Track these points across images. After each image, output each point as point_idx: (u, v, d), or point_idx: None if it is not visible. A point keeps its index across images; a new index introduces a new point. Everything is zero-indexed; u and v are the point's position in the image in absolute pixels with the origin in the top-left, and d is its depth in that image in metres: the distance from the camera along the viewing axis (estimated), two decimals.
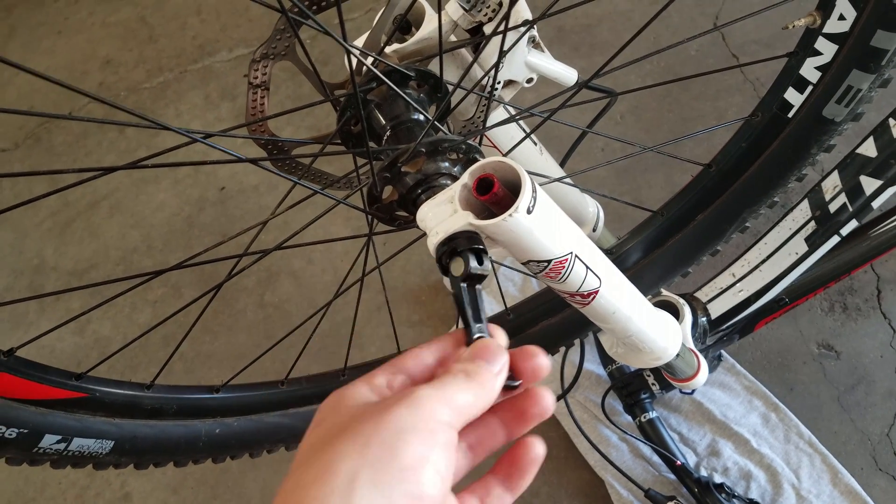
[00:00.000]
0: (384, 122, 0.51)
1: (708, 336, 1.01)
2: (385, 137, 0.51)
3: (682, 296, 0.99)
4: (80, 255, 1.61)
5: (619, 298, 0.61)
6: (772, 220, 0.92)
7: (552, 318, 0.81)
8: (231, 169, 1.65)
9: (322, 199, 0.57)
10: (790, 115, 0.65)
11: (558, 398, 0.98)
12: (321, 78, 0.48)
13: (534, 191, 0.46)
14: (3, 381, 0.52)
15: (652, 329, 0.70)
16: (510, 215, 0.45)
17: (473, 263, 0.45)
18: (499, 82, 0.57)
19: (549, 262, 0.51)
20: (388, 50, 0.53)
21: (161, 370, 0.67)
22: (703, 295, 1.00)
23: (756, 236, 0.95)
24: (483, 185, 0.46)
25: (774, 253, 0.94)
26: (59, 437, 0.57)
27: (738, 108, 1.45)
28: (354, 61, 0.41)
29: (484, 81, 0.54)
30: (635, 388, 1.14)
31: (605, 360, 1.18)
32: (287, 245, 0.52)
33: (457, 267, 0.45)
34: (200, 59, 1.84)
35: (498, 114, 0.62)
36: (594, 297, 0.58)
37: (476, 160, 0.50)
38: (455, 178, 0.50)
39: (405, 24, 0.56)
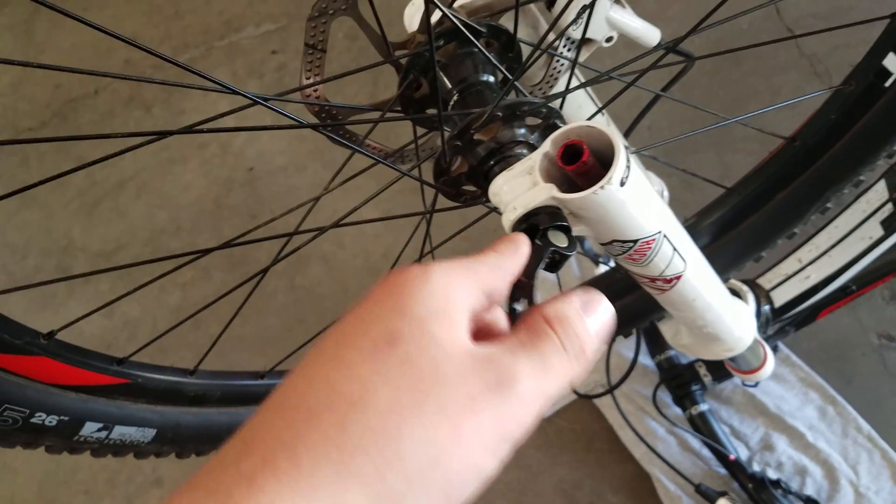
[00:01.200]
0: (450, 85, 0.46)
1: (770, 325, 0.95)
2: (452, 103, 0.46)
3: (744, 282, 0.93)
4: (107, 236, 1.58)
5: (701, 284, 0.56)
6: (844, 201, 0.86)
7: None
8: (259, 149, 1.61)
9: (376, 175, 0.52)
10: (888, 83, 0.58)
11: (606, 392, 0.93)
12: (385, 36, 0.42)
13: (627, 160, 0.40)
14: (43, 366, 0.49)
15: (728, 318, 0.65)
16: (602, 187, 0.39)
17: (563, 242, 0.40)
18: (573, 41, 0.52)
19: (635, 241, 0.46)
20: (455, 4, 0.48)
21: (205, 356, 0.63)
22: (766, 282, 0.94)
23: (826, 218, 0.89)
24: (570, 153, 0.40)
25: (847, 237, 0.88)
26: (101, 425, 0.54)
27: (794, 86, 1.37)
28: (434, 12, 0.35)
29: (567, 38, 0.49)
30: (686, 379, 1.08)
31: (654, 349, 1.13)
32: (345, 223, 0.47)
33: (559, 239, 0.39)
34: (227, 36, 1.79)
35: (566, 79, 0.57)
36: (677, 282, 0.53)
37: (556, 126, 0.44)
38: (532, 148, 0.45)
39: None
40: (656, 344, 1.12)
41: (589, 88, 0.58)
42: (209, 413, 0.63)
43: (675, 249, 0.49)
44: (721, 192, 0.72)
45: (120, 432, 0.56)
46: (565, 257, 0.41)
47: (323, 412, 0.25)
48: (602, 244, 0.47)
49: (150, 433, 0.58)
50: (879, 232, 0.85)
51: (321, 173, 1.53)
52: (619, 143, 0.40)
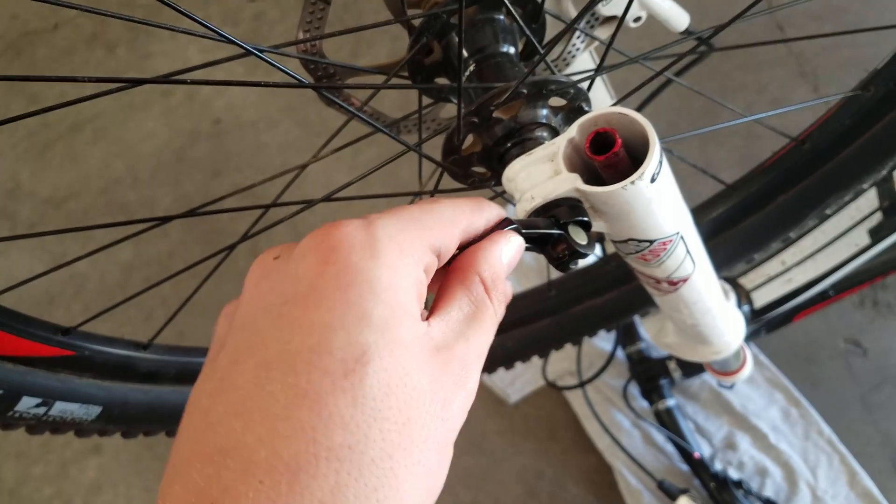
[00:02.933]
0: (467, 54, 0.41)
1: (748, 326, 0.94)
2: (467, 73, 0.41)
3: (726, 281, 0.91)
4: (58, 182, 1.48)
5: (705, 288, 0.53)
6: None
7: (597, 299, 0.72)
8: (228, 101, 1.53)
9: (355, 153, 0.47)
10: None
11: (578, 385, 0.91)
12: None
13: (661, 155, 0.37)
14: None
15: (722, 321, 0.62)
16: (633, 183, 0.36)
17: (583, 240, 0.36)
18: (597, 18, 0.48)
19: (652, 241, 0.43)
20: None
21: (160, 330, 0.57)
22: (748, 282, 0.92)
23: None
24: (600, 142, 0.36)
25: (832, 242, 0.86)
26: (40, 401, 0.49)
27: (780, 82, 1.36)
28: None
29: (592, 14, 0.45)
30: (655, 372, 1.07)
31: (626, 340, 1.11)
32: (336, 197, 0.43)
33: (579, 235, 0.36)
34: None
35: (582, 59, 0.52)
36: (682, 284, 0.50)
37: (582, 111, 0.40)
38: (553, 132, 0.40)
39: None
40: (628, 335, 1.11)
41: (608, 72, 0.54)
42: (161, 391, 0.58)
43: (688, 251, 0.46)
44: (720, 188, 0.69)
45: (61, 409, 0.51)
46: (581, 256, 0.38)
47: (312, 472, 0.20)
48: (615, 241, 0.44)
49: (95, 410, 0.53)
50: (866, 240, 0.84)
51: (294, 132, 1.46)
52: (655, 135, 0.36)
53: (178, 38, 1.62)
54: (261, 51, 0.32)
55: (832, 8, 1.41)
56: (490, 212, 0.32)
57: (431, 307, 0.29)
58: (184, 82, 0.30)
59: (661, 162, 0.36)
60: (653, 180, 0.36)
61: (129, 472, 1.16)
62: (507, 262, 0.31)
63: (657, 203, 0.38)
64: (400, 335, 0.24)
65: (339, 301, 0.23)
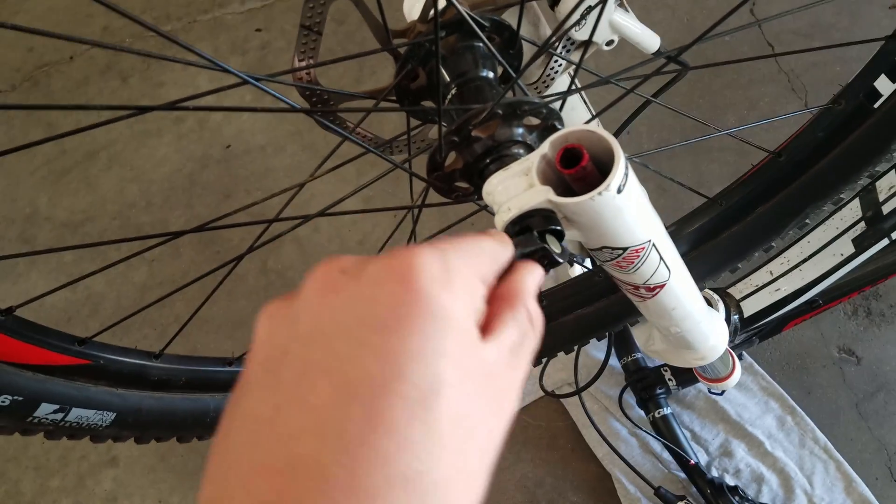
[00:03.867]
0: (449, 78, 0.45)
1: (738, 335, 0.96)
2: (449, 96, 0.45)
3: (715, 291, 0.94)
4: (74, 207, 1.54)
5: (682, 294, 0.56)
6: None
7: (587, 308, 0.76)
8: (238, 127, 1.58)
9: (358, 171, 0.51)
10: (877, 104, 0.59)
11: (574, 393, 0.93)
12: (386, 23, 0.42)
13: (626, 167, 0.40)
14: (0, 344, 0.46)
15: (704, 327, 0.66)
16: (599, 194, 0.39)
17: (557, 248, 0.40)
18: (572, 42, 0.51)
19: (625, 249, 0.46)
20: None
21: (171, 340, 0.61)
22: (736, 292, 0.95)
23: (799, 233, 0.90)
24: (569, 157, 0.40)
25: (818, 252, 0.89)
26: (57, 407, 0.52)
27: (771, 98, 1.39)
28: (438, 2, 0.35)
29: (568, 39, 0.48)
30: (651, 382, 1.10)
31: (621, 350, 1.14)
32: (331, 212, 0.46)
33: (554, 243, 0.39)
34: (211, 10, 1.75)
35: (562, 81, 0.56)
36: (659, 290, 0.53)
37: (555, 128, 0.44)
38: (529, 148, 0.44)
39: None
40: (624, 345, 1.14)
41: (584, 92, 0.58)
42: (173, 398, 0.61)
43: (661, 258, 0.49)
44: (702, 201, 0.72)
45: (77, 415, 0.54)
46: (556, 263, 0.41)
47: (384, 496, 0.21)
48: (591, 249, 0.47)
49: (110, 417, 0.56)
50: (850, 249, 0.87)
51: (300, 155, 1.51)
52: (619, 149, 0.39)
53: (189, 68, 1.68)
54: (257, 79, 0.36)
55: (820, 26, 1.46)
56: (509, 244, 0.36)
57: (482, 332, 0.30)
58: (186, 108, 0.34)
59: (626, 174, 0.40)
60: (619, 191, 0.40)
61: (145, 484, 1.20)
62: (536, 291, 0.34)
63: (625, 212, 0.42)
64: (468, 367, 0.25)
65: (418, 331, 0.24)
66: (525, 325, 0.30)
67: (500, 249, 0.34)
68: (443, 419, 0.23)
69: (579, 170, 0.40)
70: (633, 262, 0.48)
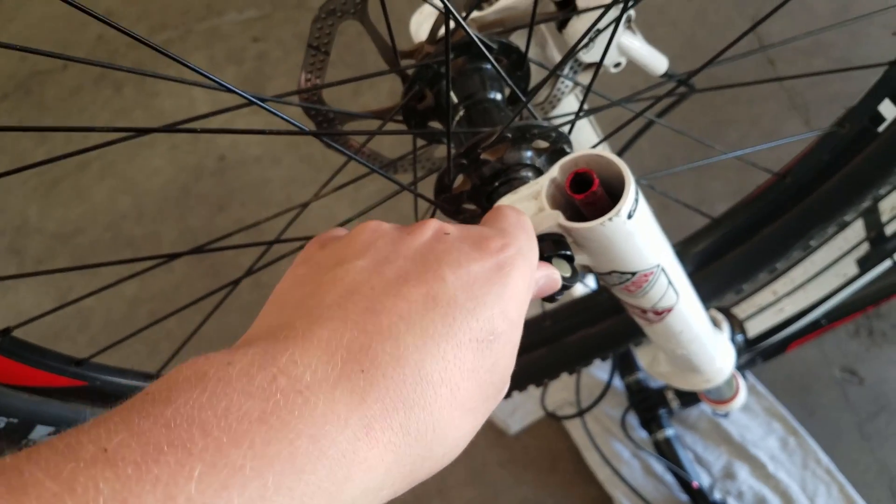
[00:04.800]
0: (457, 100, 0.44)
1: (742, 355, 0.95)
2: (457, 118, 0.44)
3: (719, 311, 0.93)
4: (66, 218, 1.52)
5: (690, 317, 0.55)
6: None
7: (592, 328, 0.74)
8: (232, 137, 1.57)
9: (356, 187, 0.50)
10: (881, 128, 0.59)
11: (577, 415, 0.92)
12: (395, 45, 0.40)
13: (637, 193, 0.39)
14: None
15: (711, 350, 0.64)
16: (610, 219, 0.38)
17: (567, 272, 0.38)
18: (580, 64, 0.50)
19: (634, 273, 0.45)
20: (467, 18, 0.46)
21: (168, 362, 0.59)
22: (740, 311, 0.94)
23: (803, 253, 0.89)
24: (579, 181, 0.39)
25: (821, 273, 0.88)
26: (53, 429, 0.51)
27: (772, 115, 1.39)
28: (448, 19, 0.33)
29: (575, 60, 0.47)
30: (654, 402, 1.08)
31: (624, 370, 1.12)
32: None
33: (563, 268, 0.38)
34: (207, 19, 1.74)
35: (568, 101, 0.55)
36: (667, 314, 0.52)
37: (565, 152, 0.43)
38: (538, 172, 0.43)
39: None
40: (626, 365, 1.12)
41: (592, 114, 0.57)
42: None
43: (670, 282, 0.48)
44: (706, 221, 0.71)
45: None
46: (566, 288, 0.40)
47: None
48: (600, 273, 0.46)
49: None
50: (855, 270, 0.86)
51: (296, 167, 1.50)
52: (630, 174, 0.38)
53: (185, 77, 1.66)
54: (263, 100, 0.34)
55: (820, 43, 1.45)
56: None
57: None
58: (193, 131, 0.32)
59: (636, 200, 0.39)
60: (629, 216, 0.39)
61: None
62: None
63: (635, 237, 0.41)
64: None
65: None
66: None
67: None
68: (490, 362, 0.29)
69: (590, 195, 0.38)
70: (641, 287, 0.47)
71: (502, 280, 0.31)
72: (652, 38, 0.66)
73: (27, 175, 1.57)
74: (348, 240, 0.33)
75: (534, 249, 0.35)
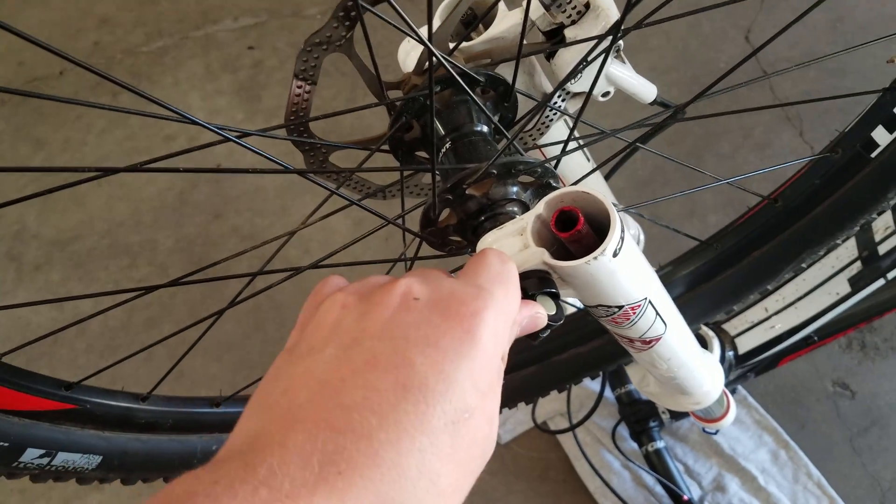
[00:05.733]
0: (443, 132, 0.44)
1: (732, 371, 0.96)
2: (444, 151, 0.44)
3: (710, 327, 0.94)
4: (63, 224, 1.52)
5: (678, 345, 0.55)
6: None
7: (581, 347, 0.75)
8: (228, 147, 1.57)
9: (358, 209, 0.50)
10: (874, 154, 0.59)
11: (568, 430, 0.92)
12: (380, 78, 0.41)
13: (622, 231, 0.39)
14: None
15: (699, 374, 0.65)
16: (595, 258, 0.38)
17: (552, 310, 0.39)
18: (569, 94, 0.51)
19: (620, 307, 0.45)
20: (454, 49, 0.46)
21: (158, 383, 0.60)
22: (731, 328, 0.94)
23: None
24: (564, 219, 0.39)
25: (813, 290, 0.89)
26: (43, 452, 0.51)
27: (766, 127, 1.40)
28: (431, 59, 0.34)
29: (564, 90, 0.48)
30: (645, 414, 1.08)
31: (615, 382, 1.13)
32: (323, 264, 0.45)
33: (548, 306, 0.38)
34: (203, 27, 1.74)
35: (558, 128, 0.55)
36: (655, 343, 0.52)
37: (552, 186, 0.43)
38: (524, 207, 0.43)
39: (470, 18, 0.49)
40: (617, 377, 1.13)
41: (581, 142, 0.57)
42: (159, 440, 0.60)
43: (657, 314, 0.48)
44: (703, 237, 0.72)
45: (63, 458, 0.54)
46: (550, 327, 0.40)
47: (404, 468, 0.27)
48: (587, 306, 0.46)
49: (96, 460, 0.56)
50: (846, 288, 0.86)
51: (291, 176, 1.50)
52: (615, 213, 0.39)
53: (181, 84, 1.67)
54: (245, 135, 0.35)
55: (814, 55, 1.46)
56: None
57: None
58: (176, 170, 0.33)
59: (622, 238, 0.39)
60: (615, 255, 0.39)
61: None
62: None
63: (621, 274, 0.41)
64: (491, 409, 0.31)
65: (468, 368, 0.30)
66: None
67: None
68: (465, 439, 0.29)
69: (575, 233, 0.39)
70: (629, 318, 0.47)
71: (472, 350, 0.30)
72: (645, 49, 0.66)
73: (25, 181, 1.57)
74: (318, 321, 0.33)
75: (512, 303, 0.34)
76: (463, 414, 0.29)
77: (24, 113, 1.68)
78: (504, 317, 0.33)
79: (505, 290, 0.34)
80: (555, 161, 0.42)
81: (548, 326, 0.39)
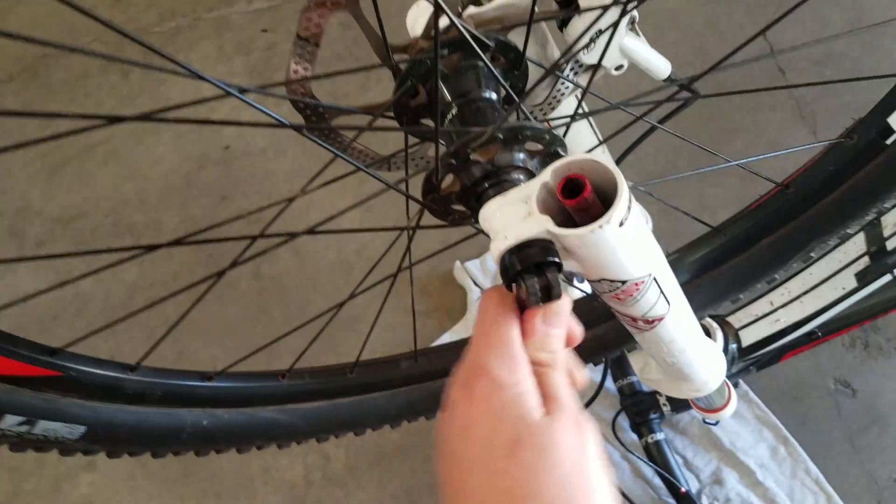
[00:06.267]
0: (450, 98, 0.44)
1: (735, 364, 0.95)
2: (450, 117, 0.43)
3: (714, 319, 0.93)
4: (68, 202, 1.52)
5: (681, 327, 0.54)
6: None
7: (585, 333, 0.74)
8: (237, 128, 1.56)
9: (360, 180, 0.49)
10: (889, 141, 0.58)
11: None
12: (386, 38, 0.40)
13: (630, 200, 0.38)
14: None
15: (701, 360, 0.64)
16: (601, 227, 0.37)
17: (557, 285, 0.38)
18: (580, 65, 0.50)
19: (624, 282, 0.44)
20: (464, 13, 0.45)
21: (148, 353, 0.58)
22: (735, 320, 0.93)
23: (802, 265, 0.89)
24: (570, 187, 0.38)
25: (820, 285, 0.88)
26: (23, 419, 0.49)
27: (779, 125, 1.38)
28: (437, 15, 0.33)
29: (576, 62, 0.47)
30: (646, 406, 1.08)
31: (617, 373, 1.12)
32: (320, 230, 0.45)
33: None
34: (217, 8, 1.73)
35: (569, 103, 0.55)
36: (658, 323, 0.51)
37: (559, 155, 0.42)
38: (530, 175, 0.42)
39: None
40: (620, 368, 1.12)
41: (590, 116, 0.57)
42: (147, 413, 0.58)
43: (661, 292, 0.48)
44: (706, 229, 0.71)
45: (44, 427, 0.51)
46: (553, 298, 0.39)
47: None
48: (590, 281, 0.45)
49: (79, 430, 0.53)
50: (853, 283, 0.85)
51: (301, 160, 1.50)
52: (623, 181, 0.38)
53: (193, 65, 1.66)
54: (242, 91, 0.34)
55: (832, 53, 1.44)
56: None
57: None
58: (166, 120, 0.32)
59: (629, 208, 0.38)
60: (621, 224, 0.38)
61: (122, 490, 1.17)
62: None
63: (627, 246, 0.40)
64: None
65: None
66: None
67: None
68: None
69: (581, 201, 0.38)
70: (632, 295, 0.46)
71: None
72: (662, 43, 0.65)
73: (30, 157, 1.57)
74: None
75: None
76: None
77: (33, 89, 1.68)
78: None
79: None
80: (564, 129, 0.41)
81: (551, 294, 0.38)
